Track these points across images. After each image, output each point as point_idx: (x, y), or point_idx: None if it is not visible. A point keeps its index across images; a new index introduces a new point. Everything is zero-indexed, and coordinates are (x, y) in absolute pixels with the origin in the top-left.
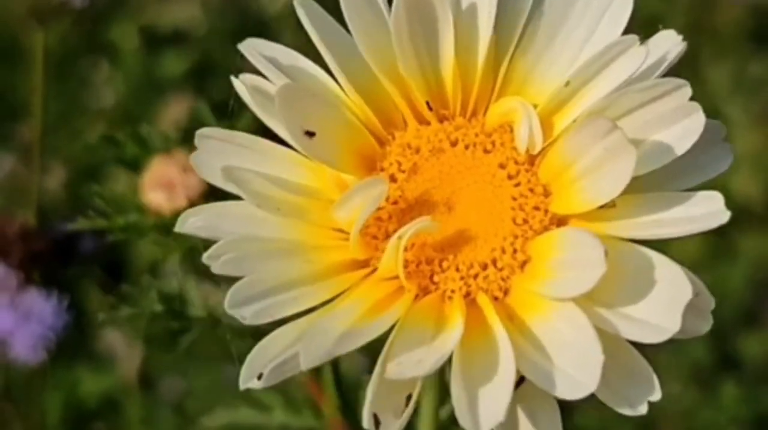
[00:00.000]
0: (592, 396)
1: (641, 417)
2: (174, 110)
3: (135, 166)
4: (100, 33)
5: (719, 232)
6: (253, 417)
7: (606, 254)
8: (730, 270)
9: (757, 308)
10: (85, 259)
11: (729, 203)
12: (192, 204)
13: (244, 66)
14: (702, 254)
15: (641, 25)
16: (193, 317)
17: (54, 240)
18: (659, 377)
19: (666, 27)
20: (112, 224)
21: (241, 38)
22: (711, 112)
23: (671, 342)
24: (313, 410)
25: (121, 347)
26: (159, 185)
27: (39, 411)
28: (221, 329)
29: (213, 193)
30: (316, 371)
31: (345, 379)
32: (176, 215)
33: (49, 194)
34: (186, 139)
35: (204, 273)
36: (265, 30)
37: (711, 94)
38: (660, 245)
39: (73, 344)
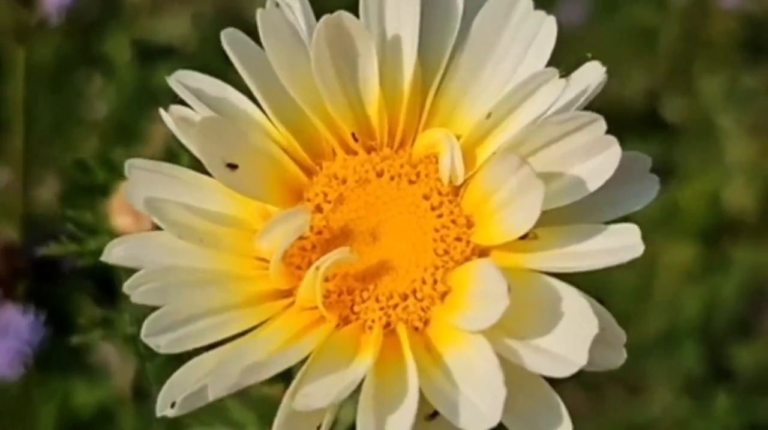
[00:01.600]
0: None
1: (636, 428)
2: (164, 125)
3: (106, 191)
4: (93, 45)
5: (712, 242)
6: None
7: (509, 288)
8: (723, 280)
9: (750, 319)
10: (67, 276)
11: (722, 214)
12: (157, 228)
13: (238, 79)
14: (695, 265)
15: (636, 37)
16: None
17: (37, 257)
18: (653, 386)
19: (660, 38)
20: (83, 248)
21: None
22: (704, 123)
23: (664, 352)
24: None
25: (115, 359)
26: (126, 210)
27: (31, 424)
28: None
29: None
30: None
31: None
32: None
33: (42, 206)
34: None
35: None
36: (258, 42)
37: (704, 105)
38: (649, 259)
39: (67, 355)
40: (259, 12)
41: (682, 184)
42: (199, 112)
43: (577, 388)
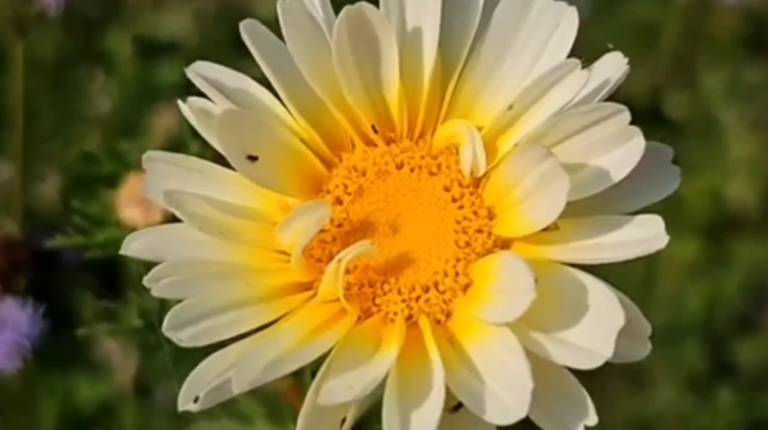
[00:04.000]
0: None
1: (638, 425)
2: (165, 119)
3: (113, 182)
4: (94, 41)
5: (715, 238)
6: (235, 429)
7: (536, 281)
8: (725, 276)
9: (752, 314)
10: (68, 269)
11: (724, 210)
12: (168, 220)
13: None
14: (697, 260)
15: (638, 33)
16: None
17: (37, 250)
18: (656, 382)
19: (662, 34)
20: (90, 240)
21: (235, 46)
22: (706, 119)
23: (666, 348)
24: (296, 421)
25: (117, 354)
26: (134, 202)
27: (33, 419)
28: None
29: None
30: (299, 382)
31: None
32: None
33: (44, 202)
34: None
35: None
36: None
37: (706, 101)
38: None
39: (69, 351)
40: (279, 3)
41: (684, 179)
42: (218, 104)
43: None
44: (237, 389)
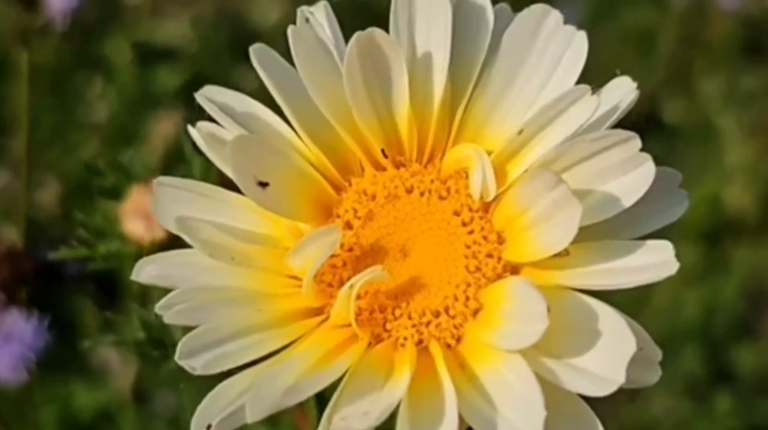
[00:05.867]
0: None
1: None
2: (164, 126)
3: (116, 194)
4: (93, 48)
5: (713, 243)
6: None
7: (548, 309)
8: (723, 282)
9: (750, 320)
10: (71, 279)
11: (722, 215)
12: (171, 234)
13: (238, 81)
14: (696, 266)
15: (635, 39)
16: (175, 344)
17: (40, 261)
18: (654, 388)
19: (659, 40)
20: (94, 252)
21: (234, 52)
22: (703, 124)
23: (664, 354)
24: None
25: (116, 362)
26: (138, 215)
27: (32, 426)
28: None
29: None
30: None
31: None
32: (155, 244)
33: (43, 209)
34: (168, 166)
35: None
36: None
37: (704, 107)
38: None
39: (68, 359)
40: (290, 28)
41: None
42: (229, 130)
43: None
44: (252, 417)
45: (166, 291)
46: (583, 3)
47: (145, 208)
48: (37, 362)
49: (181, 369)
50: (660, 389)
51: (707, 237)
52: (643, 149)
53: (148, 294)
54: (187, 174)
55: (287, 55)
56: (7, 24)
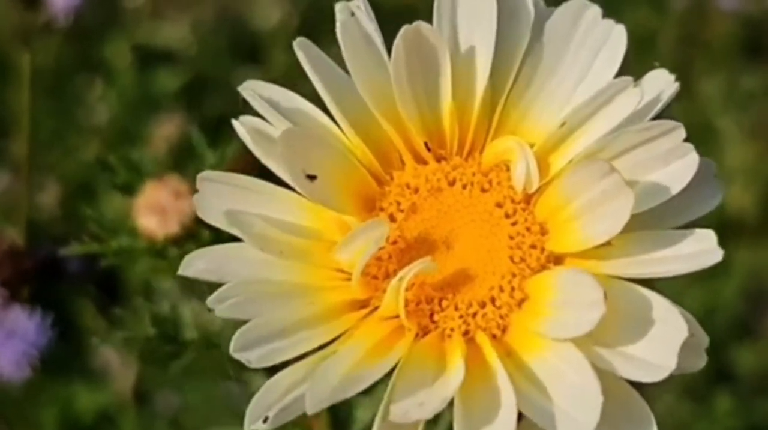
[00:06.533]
0: None
1: None
2: (166, 128)
3: (128, 190)
4: (93, 51)
5: None
6: None
7: (605, 295)
8: (723, 282)
9: (750, 320)
10: (73, 278)
11: (722, 216)
12: (185, 229)
13: (238, 84)
14: None
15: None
16: (187, 340)
17: (42, 259)
18: (654, 388)
19: (659, 40)
20: (105, 248)
21: (234, 55)
22: (703, 126)
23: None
24: None
25: (116, 363)
26: (151, 211)
27: (33, 427)
28: (216, 350)
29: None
30: None
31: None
32: (169, 239)
33: (44, 211)
34: (177, 163)
35: (193, 291)
36: (257, 48)
37: (703, 107)
38: None
39: (69, 360)
40: (339, 22)
41: None
42: (276, 124)
43: None
44: (311, 408)
45: (179, 287)
46: None
47: (159, 204)
48: (41, 358)
49: (186, 368)
50: (660, 389)
51: None
52: None
53: (153, 290)
54: (198, 170)
55: (290, 54)
56: (7, 24)
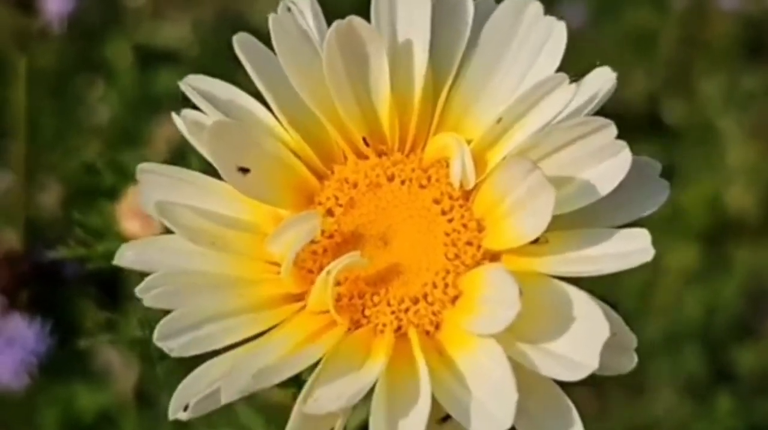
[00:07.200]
0: None
1: (638, 429)
2: (167, 128)
3: (114, 194)
4: (94, 51)
5: (714, 244)
6: None
7: (521, 293)
8: (724, 282)
9: (751, 320)
10: (70, 282)
11: (723, 216)
12: (167, 233)
13: (238, 83)
14: (697, 266)
15: (636, 40)
16: None
17: (39, 264)
18: (655, 388)
19: (659, 40)
20: (91, 252)
21: (234, 54)
22: (704, 125)
23: (665, 354)
24: None
25: (118, 363)
26: (134, 215)
27: (35, 428)
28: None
29: None
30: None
31: None
32: None
33: (45, 211)
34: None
35: None
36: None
37: (704, 107)
38: (651, 261)
39: (70, 360)
40: (271, 17)
41: (682, 186)
42: (210, 116)
43: (580, 389)
44: (225, 398)
45: None
46: (584, 3)
47: (141, 208)
48: (39, 366)
49: (179, 366)
50: (661, 388)
51: (708, 237)
52: (642, 150)
53: None
54: None
55: None
56: (4, 28)
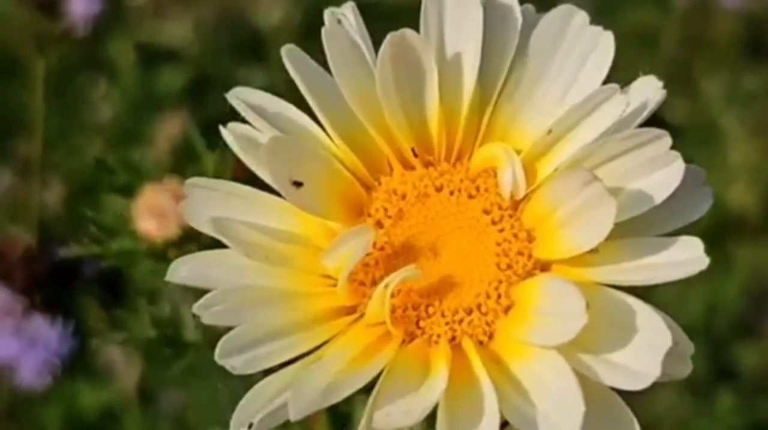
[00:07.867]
0: None
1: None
2: (169, 127)
3: (127, 192)
4: (97, 50)
5: (715, 242)
6: None
7: (587, 305)
8: (726, 281)
9: (752, 319)
10: (87, 281)
11: (725, 215)
12: (184, 232)
13: (241, 82)
14: None
15: (638, 38)
16: (187, 342)
17: (56, 263)
18: (656, 385)
19: (661, 39)
20: (105, 250)
21: (236, 53)
22: (706, 124)
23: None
24: None
25: (121, 361)
26: (151, 214)
27: (37, 425)
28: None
29: None
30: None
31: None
32: (168, 243)
33: (48, 210)
34: (179, 163)
35: (195, 293)
36: (259, 46)
37: (706, 106)
38: None
39: (73, 358)
40: (324, 29)
41: None
42: (263, 131)
43: None
44: (294, 415)
45: (182, 288)
46: (584, 3)
47: (158, 207)
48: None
49: (190, 368)
50: (662, 386)
51: (710, 236)
52: None
53: (158, 292)
54: (199, 172)
55: None
56: (17, 27)
